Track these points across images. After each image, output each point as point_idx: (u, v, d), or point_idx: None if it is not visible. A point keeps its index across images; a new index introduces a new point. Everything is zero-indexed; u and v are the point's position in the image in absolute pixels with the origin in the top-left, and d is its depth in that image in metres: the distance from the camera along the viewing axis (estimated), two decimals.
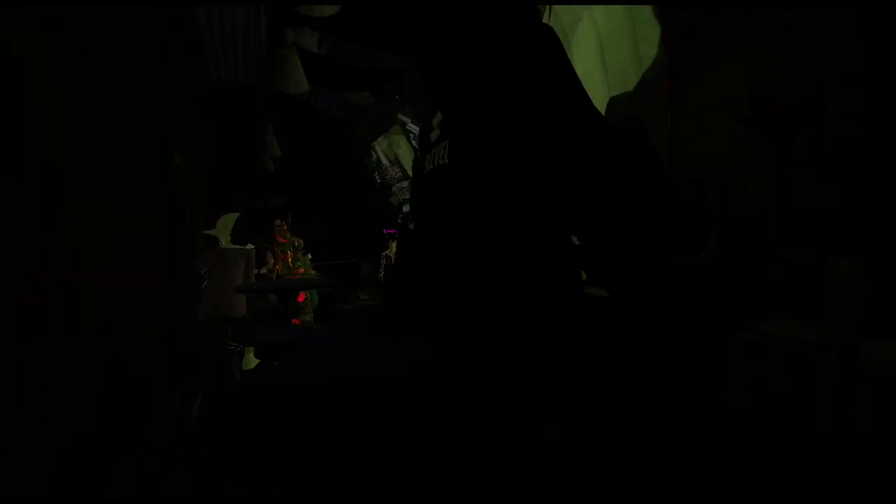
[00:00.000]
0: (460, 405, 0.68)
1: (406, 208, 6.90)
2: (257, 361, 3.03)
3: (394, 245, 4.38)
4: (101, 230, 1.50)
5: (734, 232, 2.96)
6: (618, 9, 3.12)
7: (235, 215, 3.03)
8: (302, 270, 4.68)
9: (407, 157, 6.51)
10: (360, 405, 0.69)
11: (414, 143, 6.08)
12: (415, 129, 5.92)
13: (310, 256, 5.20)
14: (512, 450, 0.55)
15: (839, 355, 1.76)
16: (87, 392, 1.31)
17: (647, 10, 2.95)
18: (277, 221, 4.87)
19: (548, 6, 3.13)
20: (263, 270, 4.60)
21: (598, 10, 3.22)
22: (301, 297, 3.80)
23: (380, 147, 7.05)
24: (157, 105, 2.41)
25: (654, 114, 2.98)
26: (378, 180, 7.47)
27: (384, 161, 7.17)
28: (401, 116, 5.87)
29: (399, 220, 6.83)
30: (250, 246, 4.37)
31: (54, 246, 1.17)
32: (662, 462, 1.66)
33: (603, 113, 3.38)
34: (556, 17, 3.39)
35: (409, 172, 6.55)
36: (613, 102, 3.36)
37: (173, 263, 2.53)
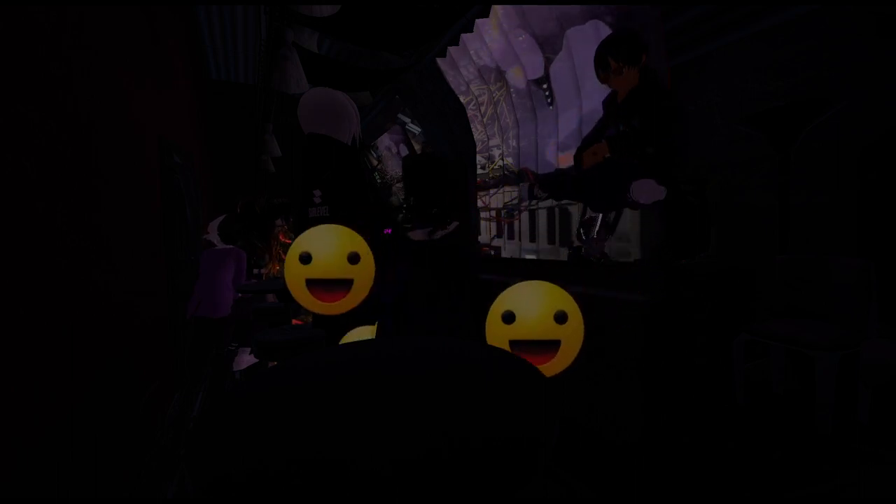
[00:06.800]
0: (461, 404, 0.68)
1: None
2: (252, 361, 3.03)
3: None
4: (101, 229, 1.50)
5: (734, 232, 2.96)
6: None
7: (224, 215, 3.02)
8: None
9: None
10: (358, 403, 0.69)
11: (414, 143, 6.07)
12: (415, 129, 5.91)
13: None
14: (510, 448, 0.55)
15: (839, 355, 1.76)
16: (86, 391, 1.31)
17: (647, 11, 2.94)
18: (279, 221, 4.85)
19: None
20: (263, 271, 4.59)
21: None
22: None
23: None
24: (157, 105, 2.41)
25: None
26: (378, 180, 7.46)
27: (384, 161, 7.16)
28: (401, 116, 5.87)
29: (399, 219, 6.81)
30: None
31: (54, 246, 1.17)
32: (662, 462, 1.66)
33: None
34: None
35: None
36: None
37: (173, 262, 2.52)
